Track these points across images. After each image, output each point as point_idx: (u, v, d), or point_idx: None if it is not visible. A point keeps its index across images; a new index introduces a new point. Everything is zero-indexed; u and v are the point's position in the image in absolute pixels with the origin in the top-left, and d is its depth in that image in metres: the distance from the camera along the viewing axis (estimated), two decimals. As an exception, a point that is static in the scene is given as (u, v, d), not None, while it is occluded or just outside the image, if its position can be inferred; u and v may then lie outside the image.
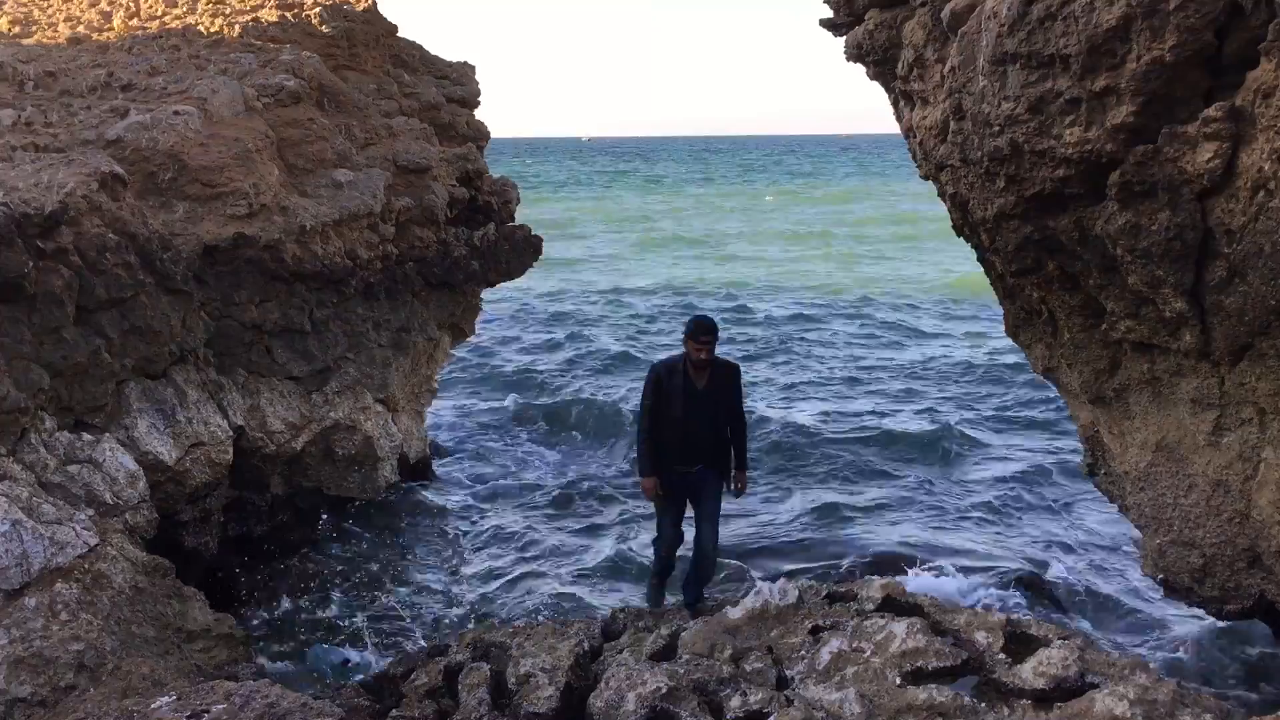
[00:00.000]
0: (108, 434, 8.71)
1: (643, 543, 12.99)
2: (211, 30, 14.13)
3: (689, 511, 8.30)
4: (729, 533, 11.88)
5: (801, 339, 26.82)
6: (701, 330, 7.17)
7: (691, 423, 7.25)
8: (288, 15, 14.41)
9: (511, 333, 27.93)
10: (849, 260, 43.69)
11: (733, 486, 7.61)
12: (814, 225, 57.82)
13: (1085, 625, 10.33)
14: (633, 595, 11.46)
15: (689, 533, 8.58)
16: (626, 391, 20.80)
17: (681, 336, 7.35)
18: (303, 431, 11.35)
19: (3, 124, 9.91)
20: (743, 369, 8.06)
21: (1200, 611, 7.98)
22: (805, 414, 18.87)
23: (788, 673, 6.11)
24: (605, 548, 12.95)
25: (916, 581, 10.56)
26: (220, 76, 11.87)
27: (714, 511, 7.50)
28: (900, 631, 6.20)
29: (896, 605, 6.66)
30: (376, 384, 12.55)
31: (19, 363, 7.96)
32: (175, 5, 15.22)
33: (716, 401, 7.30)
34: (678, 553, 8.72)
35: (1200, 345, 6.14)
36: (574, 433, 18.15)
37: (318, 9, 14.41)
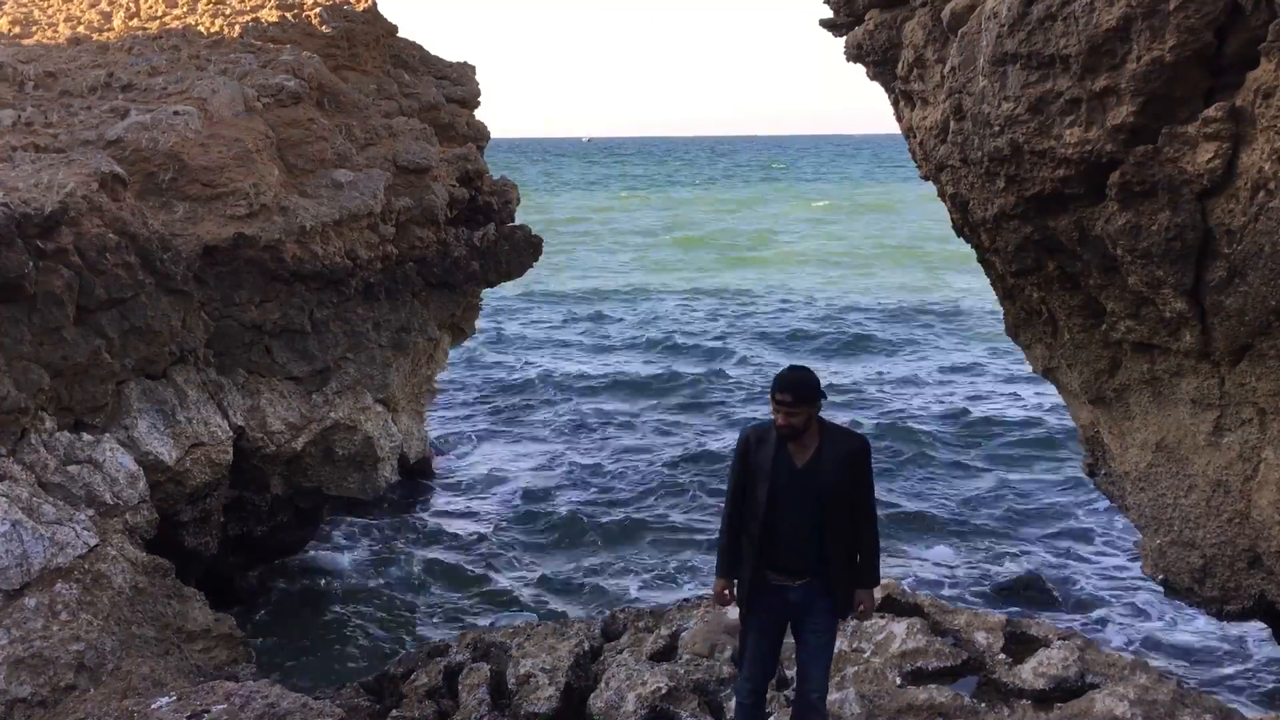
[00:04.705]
0: (108, 434, 8.71)
1: (644, 547, 13.04)
2: (211, 30, 14.14)
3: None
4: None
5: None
6: (779, 385, 4.89)
7: (782, 514, 4.94)
8: (288, 15, 14.42)
9: (531, 327, 27.98)
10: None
11: (854, 610, 5.15)
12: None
13: (1085, 625, 10.35)
14: (632, 595, 11.47)
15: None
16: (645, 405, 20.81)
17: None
18: (303, 432, 11.35)
19: (3, 124, 9.91)
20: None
21: (1200, 611, 7.98)
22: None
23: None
24: (607, 548, 12.97)
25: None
26: (220, 77, 11.87)
27: (823, 649, 5.11)
28: (900, 631, 6.20)
29: (897, 605, 6.66)
30: (376, 384, 12.55)
31: (19, 363, 7.96)
32: (175, 5, 15.23)
33: (824, 487, 4.91)
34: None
35: (1200, 345, 6.14)
36: (579, 433, 18.18)
37: (318, 9, 14.41)
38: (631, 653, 6.57)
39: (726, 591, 5.20)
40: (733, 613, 6.41)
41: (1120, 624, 10.51)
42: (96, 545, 7.22)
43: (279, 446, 10.98)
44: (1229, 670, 9.41)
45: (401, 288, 13.26)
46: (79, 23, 14.76)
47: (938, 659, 5.98)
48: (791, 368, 5.08)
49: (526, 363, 23.99)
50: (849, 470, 4.96)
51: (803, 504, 4.95)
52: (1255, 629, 9.39)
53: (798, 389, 4.85)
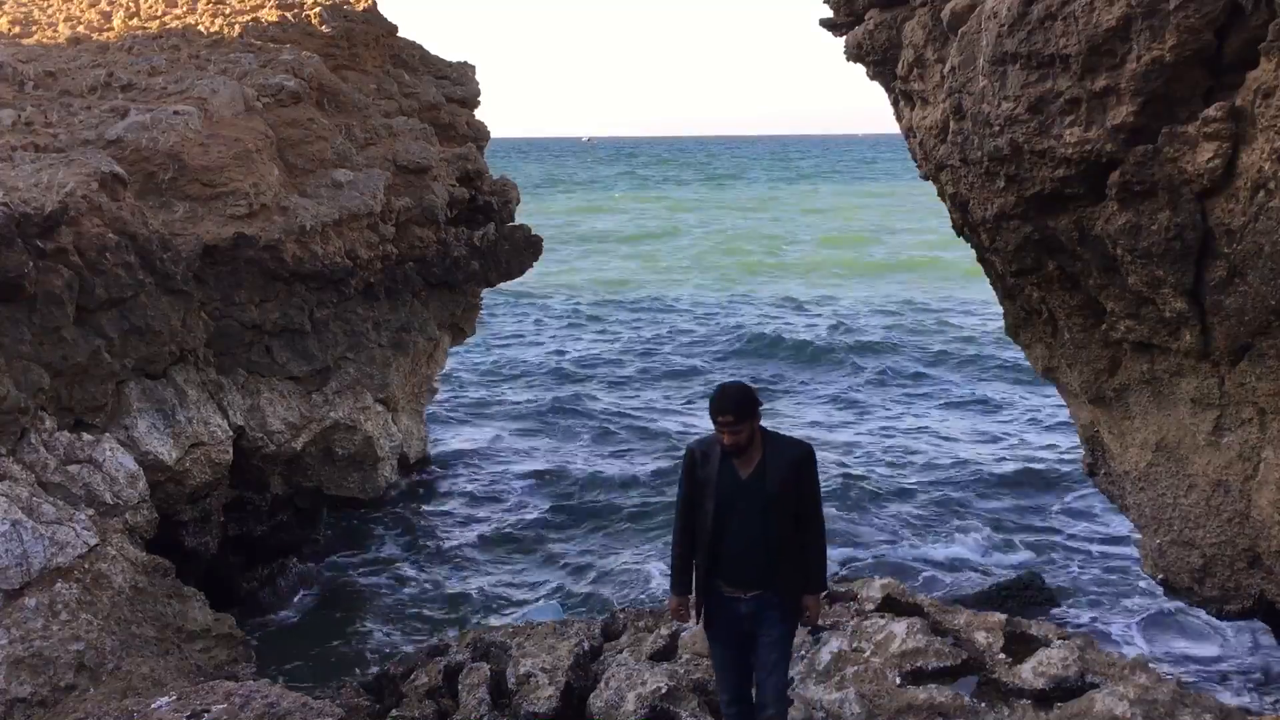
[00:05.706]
0: (108, 434, 8.71)
1: (646, 547, 13.04)
2: (211, 30, 14.14)
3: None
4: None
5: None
6: (718, 407, 4.91)
7: (731, 527, 4.98)
8: (288, 15, 14.42)
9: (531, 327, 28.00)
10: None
11: (801, 616, 5.17)
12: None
13: (1085, 625, 10.35)
14: (633, 594, 11.48)
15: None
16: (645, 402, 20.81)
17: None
18: (303, 431, 11.35)
19: (3, 124, 9.90)
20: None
21: (1202, 611, 7.98)
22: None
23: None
24: (606, 548, 12.98)
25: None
26: (220, 76, 11.87)
27: (777, 661, 5.08)
28: (900, 631, 6.20)
29: (897, 605, 6.66)
30: (376, 384, 12.55)
31: (19, 363, 7.96)
32: (175, 5, 15.23)
33: (770, 496, 4.93)
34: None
35: (1200, 345, 6.14)
36: (580, 432, 18.18)
37: (318, 9, 14.41)
38: (631, 652, 6.58)
39: (681, 609, 5.26)
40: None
41: (1120, 624, 10.51)
42: (96, 545, 7.21)
43: (279, 446, 10.98)
44: (1228, 670, 9.41)
45: (401, 287, 13.27)
46: (79, 23, 14.75)
47: (938, 659, 5.98)
48: (725, 385, 5.09)
49: (526, 363, 24.01)
50: (794, 478, 4.96)
51: (749, 514, 4.97)
52: (1255, 628, 9.39)
53: (737, 407, 4.87)
